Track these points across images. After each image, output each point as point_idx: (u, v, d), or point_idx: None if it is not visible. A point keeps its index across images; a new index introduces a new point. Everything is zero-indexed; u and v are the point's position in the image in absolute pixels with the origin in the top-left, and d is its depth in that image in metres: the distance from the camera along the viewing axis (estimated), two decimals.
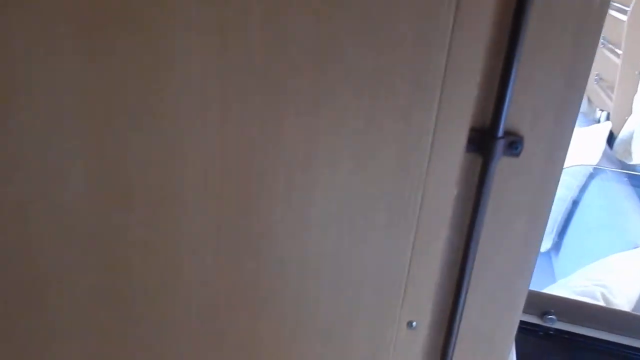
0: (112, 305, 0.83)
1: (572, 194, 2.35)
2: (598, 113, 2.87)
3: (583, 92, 0.62)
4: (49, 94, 0.71)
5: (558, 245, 2.35)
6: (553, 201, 0.67)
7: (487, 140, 0.64)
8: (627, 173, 2.35)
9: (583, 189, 2.35)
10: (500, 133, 0.63)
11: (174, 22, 0.65)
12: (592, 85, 2.90)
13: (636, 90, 2.48)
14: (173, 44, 0.66)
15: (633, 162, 2.40)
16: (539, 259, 2.26)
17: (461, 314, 0.73)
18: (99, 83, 0.69)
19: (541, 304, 1.42)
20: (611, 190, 2.25)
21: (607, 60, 2.76)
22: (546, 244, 2.36)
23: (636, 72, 2.47)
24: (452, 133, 0.64)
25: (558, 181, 0.67)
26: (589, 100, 2.97)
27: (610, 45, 2.78)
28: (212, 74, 0.66)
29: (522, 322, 1.39)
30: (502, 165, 0.66)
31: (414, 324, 0.75)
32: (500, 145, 0.64)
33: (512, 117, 0.63)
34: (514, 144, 0.64)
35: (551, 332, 1.38)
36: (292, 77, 0.65)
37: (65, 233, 0.79)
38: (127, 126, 0.71)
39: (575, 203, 2.35)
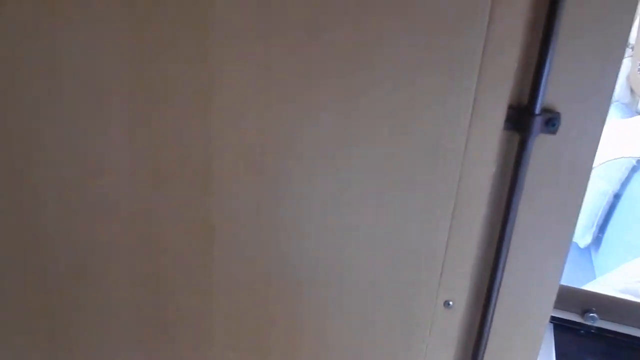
0: (151, 290, 0.84)
1: (614, 187, 2.27)
2: None
3: (619, 67, 0.62)
4: (92, 73, 0.72)
5: (598, 240, 2.28)
6: (589, 177, 0.67)
7: (524, 117, 0.64)
8: None
9: (625, 182, 2.27)
10: (538, 110, 0.63)
11: (217, 8, 0.65)
12: (635, 75, 2.80)
13: None
14: (215, 28, 0.66)
15: None
16: (579, 254, 2.19)
17: (497, 293, 0.72)
18: (140, 66, 0.70)
19: (582, 301, 1.37)
20: None
21: None
22: (586, 239, 2.29)
23: None
24: (490, 110, 0.64)
25: (594, 158, 0.66)
26: (632, 91, 2.87)
27: None
28: (254, 58, 0.67)
29: (562, 320, 1.35)
30: (539, 142, 0.65)
31: (451, 303, 0.74)
32: (538, 122, 0.63)
33: (549, 93, 0.63)
34: (552, 120, 0.64)
35: (592, 331, 1.34)
36: (330, 57, 0.65)
37: (107, 215, 0.80)
38: (167, 109, 0.71)
39: (617, 197, 2.28)
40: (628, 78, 2.90)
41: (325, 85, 0.66)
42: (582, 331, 1.34)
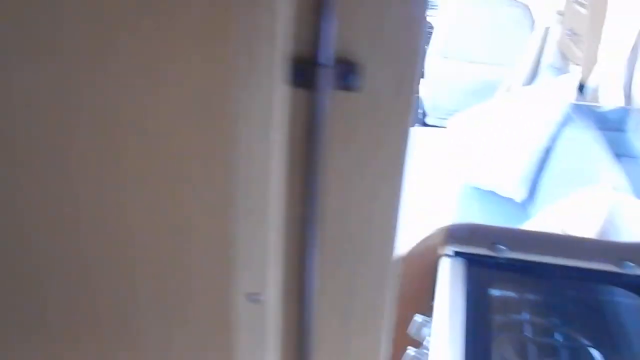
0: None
1: (545, 142, 2.40)
2: (572, 68, 2.92)
3: (424, 13, 0.55)
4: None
5: (533, 194, 2.41)
6: (409, 136, 0.58)
7: (310, 71, 0.54)
8: (596, 118, 2.40)
9: (554, 137, 2.40)
10: (326, 60, 0.53)
11: None
12: (565, 40, 2.94)
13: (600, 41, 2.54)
14: None
15: (600, 106, 2.45)
16: (516, 209, 2.32)
17: (312, 281, 0.63)
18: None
19: (492, 238, 1.48)
20: (581, 136, 2.30)
21: (579, 15, 2.80)
22: (522, 194, 2.42)
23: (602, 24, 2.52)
24: (264, 63, 0.52)
25: (411, 114, 0.57)
26: (563, 55, 3.01)
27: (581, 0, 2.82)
28: None
29: (471, 255, 1.46)
30: (339, 101, 0.56)
31: (258, 296, 0.63)
32: (326, 75, 0.54)
33: (343, 41, 0.54)
34: (348, 73, 0.54)
35: (502, 262, 1.45)
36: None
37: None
38: None
39: (548, 151, 2.40)
40: (558, 43, 3.03)
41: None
42: (492, 262, 1.45)
